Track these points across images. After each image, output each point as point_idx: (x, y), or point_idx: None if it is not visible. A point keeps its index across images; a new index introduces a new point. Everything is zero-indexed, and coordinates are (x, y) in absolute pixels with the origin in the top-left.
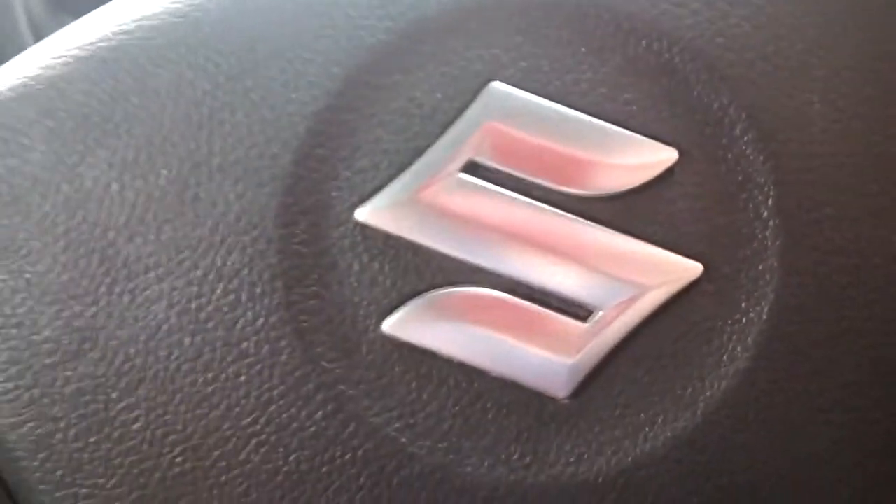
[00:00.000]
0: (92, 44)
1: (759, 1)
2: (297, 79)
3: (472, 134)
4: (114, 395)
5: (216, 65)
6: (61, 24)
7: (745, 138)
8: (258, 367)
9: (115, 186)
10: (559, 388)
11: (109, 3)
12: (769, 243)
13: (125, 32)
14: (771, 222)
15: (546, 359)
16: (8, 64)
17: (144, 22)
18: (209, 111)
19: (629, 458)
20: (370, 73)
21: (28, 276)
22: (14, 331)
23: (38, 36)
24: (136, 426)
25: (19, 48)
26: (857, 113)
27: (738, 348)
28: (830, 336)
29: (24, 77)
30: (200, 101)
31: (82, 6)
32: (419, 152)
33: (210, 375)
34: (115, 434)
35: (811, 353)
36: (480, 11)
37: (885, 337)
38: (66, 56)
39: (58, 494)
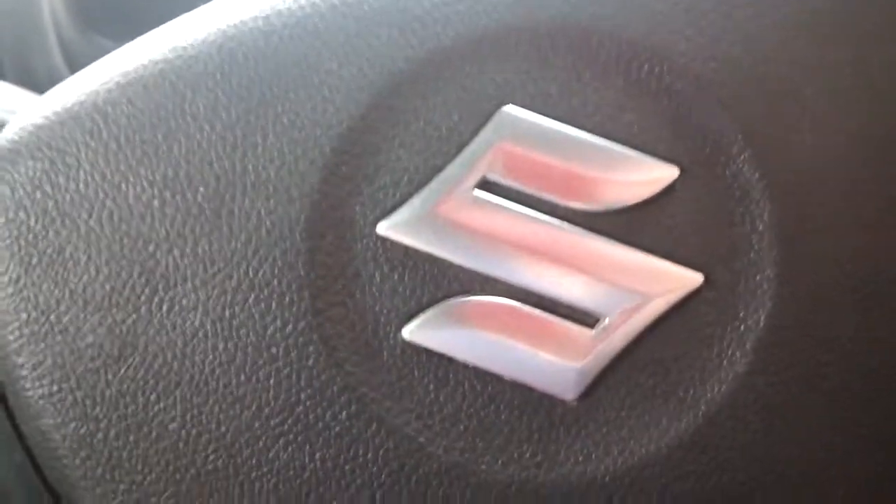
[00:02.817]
0: (134, 71)
1: (748, 27)
2: (324, 103)
3: (486, 153)
4: (152, 398)
5: (249, 91)
6: (90, 42)
7: (742, 156)
8: (286, 370)
9: (155, 203)
10: (568, 390)
11: (150, 33)
12: (765, 254)
13: (165, 61)
14: (766, 235)
15: (555, 363)
16: (54, 90)
17: (183, 52)
18: (242, 133)
19: (635, 458)
20: (391, 97)
21: (73, 285)
22: (59, 337)
23: (68, 53)
24: (172, 426)
25: (49, 65)
26: (845, 130)
27: (737, 353)
28: (824, 342)
29: (70, 102)
30: (234, 124)
31: (110, 25)
32: (436, 171)
33: (242, 378)
34: (153, 434)
35: (806, 358)
36: (493, 41)
37: (874, 343)
38: (109, 82)
39: (98, 490)
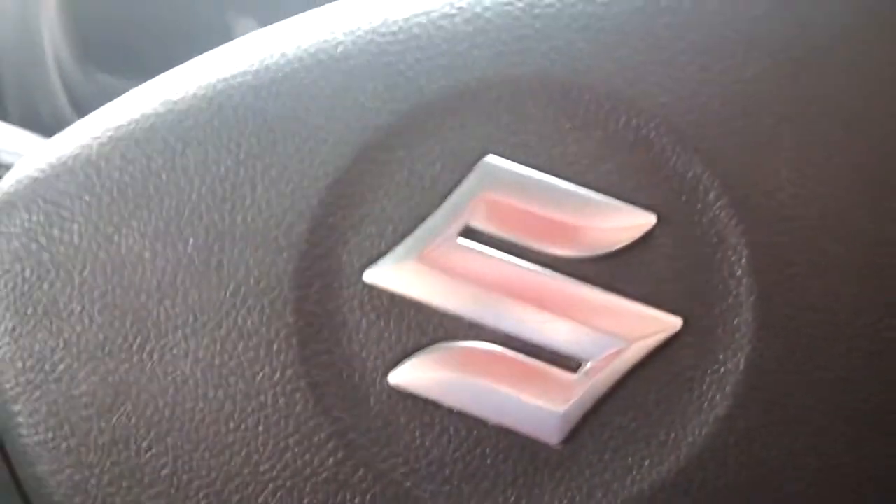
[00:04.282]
0: (126, 125)
1: (726, 79)
2: (311, 156)
3: (469, 202)
4: (144, 445)
5: (238, 144)
6: (92, 80)
7: (719, 203)
8: (275, 417)
9: (147, 254)
10: (552, 435)
11: (142, 86)
12: (743, 299)
13: (156, 115)
14: (744, 280)
15: (539, 408)
16: (49, 142)
17: (174, 106)
18: (231, 186)
19: (618, 500)
20: (376, 149)
21: (67, 335)
22: (53, 386)
23: (71, 91)
24: (164, 472)
25: (51, 104)
26: (822, 179)
27: (717, 396)
28: (803, 384)
29: (65, 155)
30: (224, 178)
31: (113, 62)
32: (421, 219)
33: (231, 426)
34: (146, 480)
35: (786, 400)
36: (474, 94)
37: (856, 385)
38: (102, 136)
39: None
